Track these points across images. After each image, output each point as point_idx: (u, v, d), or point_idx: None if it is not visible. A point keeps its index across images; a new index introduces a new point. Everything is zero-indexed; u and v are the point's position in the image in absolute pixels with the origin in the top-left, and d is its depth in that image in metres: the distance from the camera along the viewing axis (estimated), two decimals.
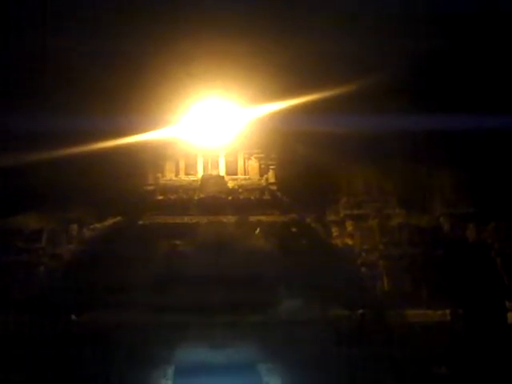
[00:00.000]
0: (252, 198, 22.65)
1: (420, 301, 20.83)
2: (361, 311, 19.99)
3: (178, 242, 21.15)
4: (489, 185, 24.01)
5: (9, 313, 19.90)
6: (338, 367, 19.25)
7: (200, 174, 23.35)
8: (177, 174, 23.49)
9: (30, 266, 20.93)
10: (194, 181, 23.09)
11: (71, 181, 22.71)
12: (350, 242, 22.34)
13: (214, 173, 23.24)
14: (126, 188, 22.70)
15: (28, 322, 19.79)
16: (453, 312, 20.45)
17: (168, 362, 19.20)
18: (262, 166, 23.59)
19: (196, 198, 22.37)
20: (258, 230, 21.71)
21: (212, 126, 23.47)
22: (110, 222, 22.33)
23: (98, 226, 22.25)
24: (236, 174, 23.61)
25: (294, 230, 22.25)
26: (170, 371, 19.31)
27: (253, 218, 21.96)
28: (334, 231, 22.75)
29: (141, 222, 21.54)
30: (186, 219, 21.80)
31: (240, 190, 22.80)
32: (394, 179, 24.08)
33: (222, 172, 23.44)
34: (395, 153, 23.93)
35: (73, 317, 19.45)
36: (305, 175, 23.01)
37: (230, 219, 21.80)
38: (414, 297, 20.94)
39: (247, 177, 23.50)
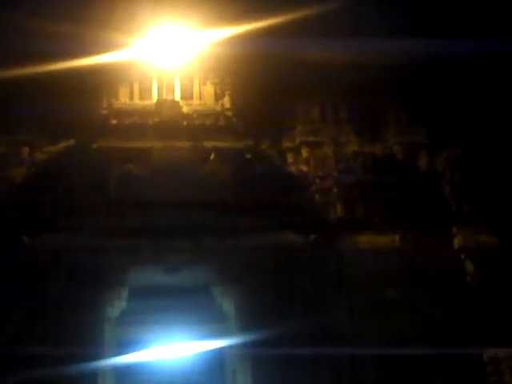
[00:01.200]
0: (207, 123, 22.48)
1: (371, 227, 21.20)
2: (314, 236, 20.24)
3: (131, 167, 20.97)
4: (442, 115, 24.29)
5: None
6: (290, 291, 19.59)
7: (155, 98, 23.00)
8: (131, 98, 23.12)
9: None
10: (148, 105, 22.76)
11: (22, 103, 22.20)
12: (304, 168, 22.46)
13: (169, 97, 22.91)
14: (79, 111, 22.28)
15: None
16: (402, 237, 20.90)
17: (122, 284, 19.27)
18: (218, 92, 23.35)
19: (150, 122, 22.10)
20: (212, 156, 21.64)
21: (167, 50, 23.03)
22: (62, 145, 21.99)
23: (50, 149, 21.89)
24: (191, 98, 23.32)
25: (248, 156, 22.25)
26: (124, 293, 19.42)
27: (207, 144, 21.85)
28: (289, 158, 22.84)
29: (94, 146, 21.26)
30: (140, 144, 21.57)
31: (195, 116, 22.59)
32: (350, 107, 24.15)
33: (177, 97, 23.12)
34: (352, 82, 23.92)
35: (25, 238, 19.29)
36: (261, 101, 22.88)
37: (185, 144, 21.65)
38: (366, 223, 21.29)
39: (202, 102, 23.26)
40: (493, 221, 21.54)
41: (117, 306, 19.62)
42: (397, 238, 20.99)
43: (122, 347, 19.21)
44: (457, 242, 21.07)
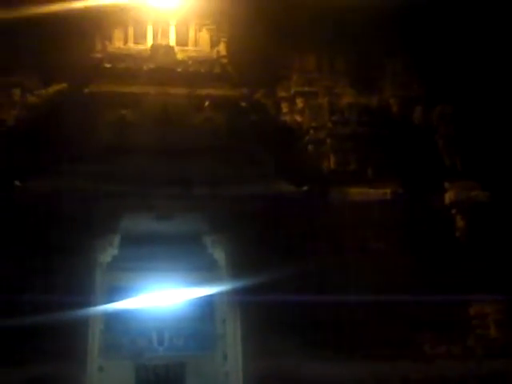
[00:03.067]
0: (202, 70, 22.17)
1: (364, 180, 21.21)
2: (306, 187, 20.24)
3: (124, 112, 20.76)
4: (438, 68, 24.07)
5: None
6: (281, 241, 19.68)
7: (149, 43, 22.63)
8: (125, 43, 22.68)
9: None
10: (143, 50, 22.37)
11: (14, 45, 21.80)
12: (299, 119, 22.31)
13: (164, 42, 22.53)
14: (72, 55, 21.89)
15: None
16: (393, 191, 20.93)
17: (113, 231, 19.29)
18: (214, 38, 22.95)
19: (145, 67, 21.77)
20: (206, 103, 21.44)
21: None
22: (54, 88, 21.67)
23: (42, 92, 21.58)
24: (186, 45, 22.92)
25: (243, 104, 22.05)
26: (116, 239, 19.46)
27: (202, 91, 21.60)
28: (284, 107, 22.65)
29: (87, 90, 20.95)
30: (134, 89, 21.30)
31: (190, 62, 22.26)
32: (346, 59, 23.88)
33: (172, 42, 22.74)
34: (349, 32, 23.60)
35: (16, 183, 19.18)
36: (256, 50, 22.55)
37: (179, 91, 21.41)
38: (359, 175, 21.29)
39: (198, 48, 22.86)
40: (485, 177, 21.58)
41: (108, 253, 19.69)
42: (388, 191, 21.02)
43: (113, 293, 19.36)
44: (448, 197, 21.13)
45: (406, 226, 20.68)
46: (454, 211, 21.06)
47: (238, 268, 18.78)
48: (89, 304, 18.02)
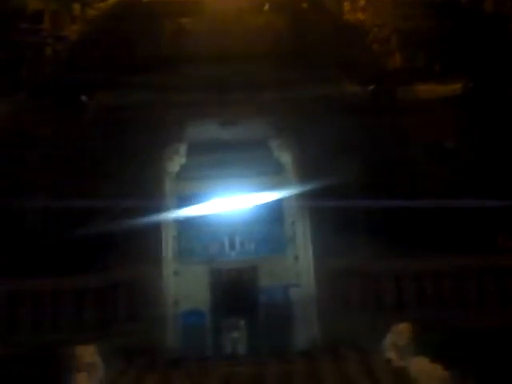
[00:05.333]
0: None
1: (432, 75, 20.54)
2: (372, 87, 19.78)
3: (184, 20, 20.55)
4: None
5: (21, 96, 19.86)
6: (348, 142, 19.44)
7: None
8: None
9: (36, 47, 20.56)
10: None
11: None
12: (361, 17, 21.63)
13: None
14: None
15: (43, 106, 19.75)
16: (464, 86, 20.20)
17: (180, 140, 19.40)
18: None
19: None
20: (266, 6, 20.97)
21: None
22: (113, 0, 21.60)
23: (101, 5, 21.55)
24: None
25: (304, 5, 21.49)
26: (183, 148, 19.59)
27: None
28: (346, 6, 21.97)
29: (146, 0, 20.79)
30: None
31: None
32: None
33: None
34: None
35: (83, 97, 19.42)
36: None
37: None
38: (426, 72, 20.62)
39: None
40: None
41: (176, 162, 19.87)
42: (458, 86, 20.30)
43: (183, 202, 19.64)
44: None
45: (477, 123, 20.02)
46: None
47: (304, 171, 18.69)
48: (161, 211, 18.38)
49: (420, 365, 14.94)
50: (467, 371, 13.42)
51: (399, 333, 16.01)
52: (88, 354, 15.56)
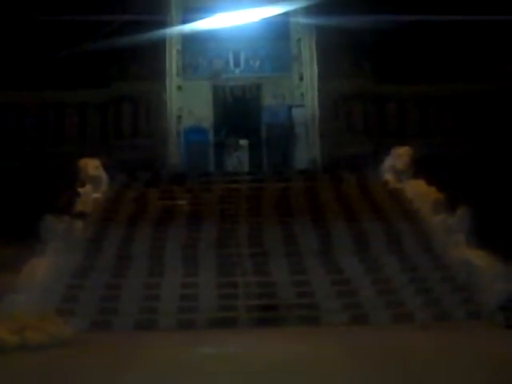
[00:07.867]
0: None
1: None
2: None
3: None
4: None
5: None
6: None
7: None
8: None
9: None
10: None
11: None
12: None
13: None
14: None
15: None
16: None
17: None
18: None
19: None
20: None
21: None
22: None
23: None
24: None
25: None
26: None
27: None
28: None
29: None
30: None
31: None
32: None
33: None
34: None
35: None
36: None
37: None
38: None
39: None
40: None
41: None
42: None
43: (189, 15, 19.08)
44: None
45: None
46: None
47: None
48: (165, 24, 17.94)
49: (416, 187, 15.33)
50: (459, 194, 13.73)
51: (398, 156, 16.25)
52: (92, 166, 15.99)
